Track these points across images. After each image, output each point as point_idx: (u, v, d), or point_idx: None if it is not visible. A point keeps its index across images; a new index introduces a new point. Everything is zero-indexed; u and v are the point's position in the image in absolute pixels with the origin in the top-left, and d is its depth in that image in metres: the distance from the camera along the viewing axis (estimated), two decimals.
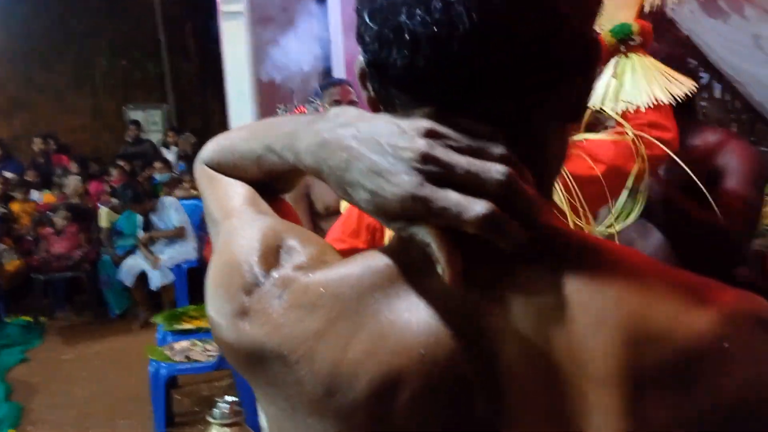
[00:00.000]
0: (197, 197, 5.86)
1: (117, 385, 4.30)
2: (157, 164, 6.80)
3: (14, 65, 8.93)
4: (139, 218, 5.48)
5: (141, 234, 5.44)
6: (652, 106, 1.39)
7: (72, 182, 6.16)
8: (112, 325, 5.55)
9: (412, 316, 0.49)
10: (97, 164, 7.72)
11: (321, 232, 2.53)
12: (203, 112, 9.53)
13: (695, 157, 1.83)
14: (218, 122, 9.30)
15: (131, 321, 5.54)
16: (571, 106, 0.52)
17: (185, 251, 5.47)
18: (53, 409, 4.00)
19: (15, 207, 6.32)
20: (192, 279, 5.53)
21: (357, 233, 1.73)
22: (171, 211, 5.38)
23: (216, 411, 3.13)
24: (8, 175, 6.81)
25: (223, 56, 5.96)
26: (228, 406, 3.09)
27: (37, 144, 7.84)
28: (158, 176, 6.82)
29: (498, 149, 0.47)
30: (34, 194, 6.75)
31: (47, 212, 5.94)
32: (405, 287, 0.51)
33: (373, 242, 1.73)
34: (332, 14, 3.44)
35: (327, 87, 2.51)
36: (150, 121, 9.11)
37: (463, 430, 0.47)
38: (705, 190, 1.50)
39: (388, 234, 1.59)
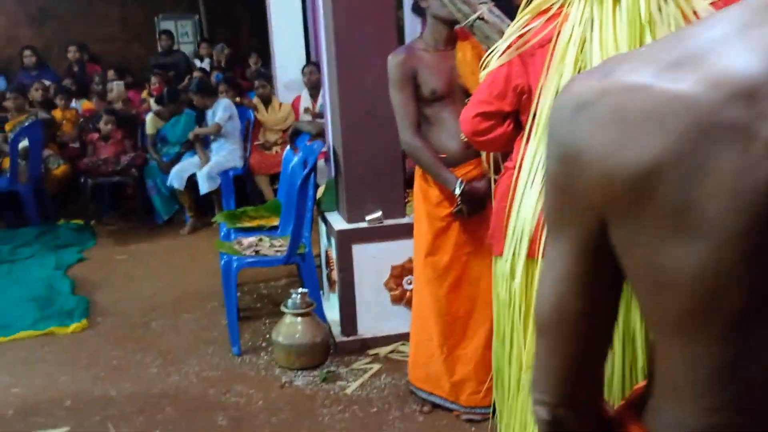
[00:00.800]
0: (240, 105, 5.88)
1: (175, 282, 4.45)
2: (196, 73, 6.77)
3: None
4: (191, 117, 5.55)
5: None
6: None
7: (116, 88, 6.17)
8: (160, 230, 5.68)
9: None
10: (129, 74, 7.69)
11: (426, 117, 2.56)
12: (232, 23, 9.40)
13: None
14: (247, 32, 9.20)
15: (177, 227, 5.66)
16: None
17: (232, 158, 5.53)
18: (118, 302, 4.16)
19: (57, 114, 6.36)
20: (237, 186, 5.63)
21: (503, 95, 1.75)
22: (219, 110, 5.41)
23: (289, 301, 3.28)
24: (47, 82, 6.81)
25: None
26: (300, 296, 3.23)
27: (72, 52, 7.79)
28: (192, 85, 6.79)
29: None
30: (73, 102, 6.77)
31: (96, 115, 5.98)
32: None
33: (519, 104, 1.76)
34: None
35: None
36: (181, 32, 9.00)
37: None
38: None
39: (536, 95, 1.62)
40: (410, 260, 3.19)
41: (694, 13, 1.43)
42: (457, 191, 2.42)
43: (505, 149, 1.95)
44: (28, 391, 3.15)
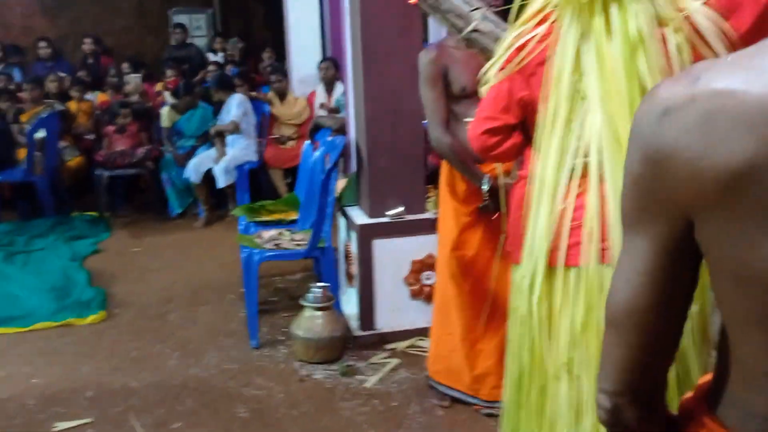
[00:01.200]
0: (255, 98, 5.89)
1: (191, 275, 4.47)
2: (210, 67, 6.78)
3: None
4: (206, 111, 5.57)
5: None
6: None
7: (133, 81, 6.19)
8: (174, 223, 5.70)
9: None
10: (143, 67, 7.70)
11: (455, 114, 2.57)
12: (246, 17, 9.41)
13: None
14: (261, 26, 9.20)
15: (191, 220, 5.68)
16: None
17: (248, 152, 5.54)
18: (135, 294, 4.18)
19: (72, 106, 6.38)
20: (252, 180, 5.64)
21: (508, 109, 1.74)
22: (233, 106, 5.42)
23: (310, 295, 3.28)
24: (62, 74, 6.83)
25: None
26: (321, 291, 3.24)
27: (88, 44, 7.81)
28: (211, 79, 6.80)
29: None
30: (88, 95, 6.78)
31: (111, 107, 5.99)
32: None
33: (524, 116, 1.76)
34: None
35: None
36: (194, 26, 9.00)
37: None
38: None
39: (541, 108, 1.61)
40: (430, 255, 3.20)
41: (694, 29, 1.45)
42: (485, 187, 2.43)
43: (517, 158, 1.95)
44: (48, 382, 3.17)
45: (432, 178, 3.32)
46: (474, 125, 1.83)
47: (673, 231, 0.66)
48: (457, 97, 2.52)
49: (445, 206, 2.65)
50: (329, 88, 5.66)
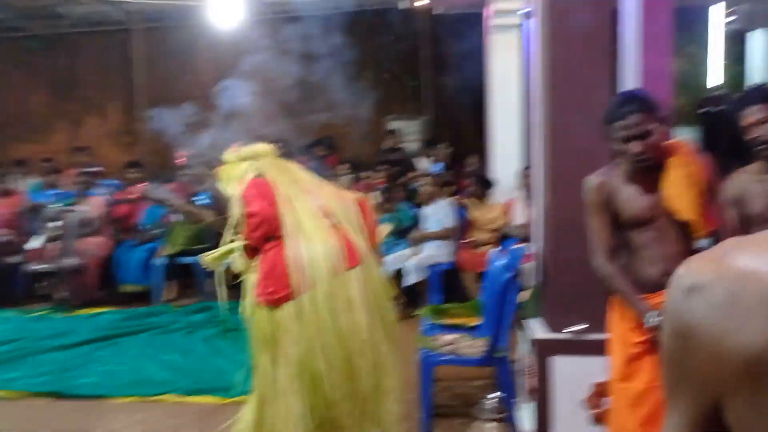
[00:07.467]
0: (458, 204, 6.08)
1: None
2: (417, 173, 7.15)
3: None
4: (406, 213, 5.87)
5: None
6: None
7: (344, 181, 6.75)
8: None
9: None
10: (360, 169, 8.33)
11: (626, 242, 2.48)
12: (454, 124, 9.87)
13: None
14: (471, 133, 9.57)
15: None
16: None
17: (441, 253, 5.70)
18: None
19: None
20: (445, 281, 5.75)
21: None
22: (441, 212, 5.65)
23: (483, 406, 3.22)
24: None
25: (489, 69, 6.14)
26: (494, 402, 3.17)
27: (319, 150, 8.70)
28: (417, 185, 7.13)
29: None
30: None
31: None
32: None
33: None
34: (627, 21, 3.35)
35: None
36: (407, 132, 9.63)
37: None
38: None
39: None
40: None
41: None
42: (648, 323, 2.27)
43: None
44: None
45: None
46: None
47: (703, 407, 0.64)
48: (627, 225, 2.42)
49: (613, 332, 2.50)
50: (530, 195, 5.68)
